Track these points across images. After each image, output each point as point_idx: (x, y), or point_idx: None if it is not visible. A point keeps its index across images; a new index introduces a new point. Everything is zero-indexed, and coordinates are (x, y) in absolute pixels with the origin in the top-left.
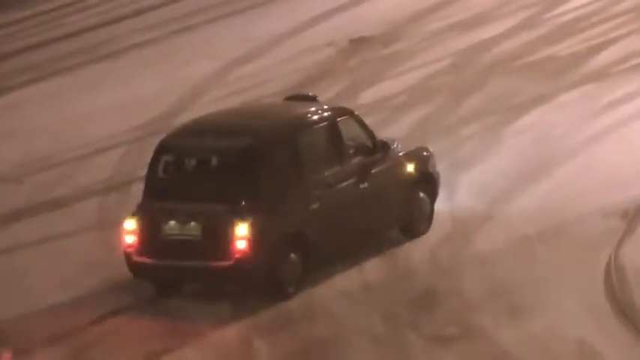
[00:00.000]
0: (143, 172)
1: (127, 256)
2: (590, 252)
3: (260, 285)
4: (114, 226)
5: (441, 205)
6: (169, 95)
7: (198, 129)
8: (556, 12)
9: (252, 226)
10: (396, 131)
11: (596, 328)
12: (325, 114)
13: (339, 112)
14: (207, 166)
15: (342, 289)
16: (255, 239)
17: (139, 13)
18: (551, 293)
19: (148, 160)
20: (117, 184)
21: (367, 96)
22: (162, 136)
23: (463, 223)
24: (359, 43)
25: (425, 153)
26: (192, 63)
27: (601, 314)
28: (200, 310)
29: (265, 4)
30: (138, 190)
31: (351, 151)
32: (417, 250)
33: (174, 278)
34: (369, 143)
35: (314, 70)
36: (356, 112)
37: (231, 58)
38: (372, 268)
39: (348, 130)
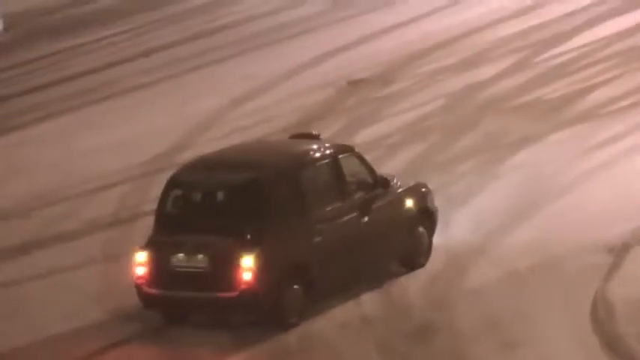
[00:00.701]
0: (147, 207)
1: (138, 288)
2: (578, 286)
3: (264, 315)
4: (118, 260)
5: (435, 239)
6: (173, 133)
7: (206, 164)
8: (546, 55)
9: (258, 258)
10: (391, 168)
11: None
12: (327, 151)
13: (341, 149)
14: (214, 200)
15: (339, 321)
16: (260, 271)
17: (143, 54)
18: (542, 327)
19: (152, 195)
20: (121, 219)
21: (364, 134)
22: (166, 172)
23: (457, 258)
24: (356, 84)
25: (423, 189)
26: (196, 101)
27: (589, 347)
28: (202, 341)
29: (267, 46)
30: (142, 224)
31: (352, 187)
32: (412, 284)
33: (183, 308)
34: (370, 179)
35: (313, 109)
36: (357, 150)
37: (234, 96)
38: (369, 302)
39: (350, 166)
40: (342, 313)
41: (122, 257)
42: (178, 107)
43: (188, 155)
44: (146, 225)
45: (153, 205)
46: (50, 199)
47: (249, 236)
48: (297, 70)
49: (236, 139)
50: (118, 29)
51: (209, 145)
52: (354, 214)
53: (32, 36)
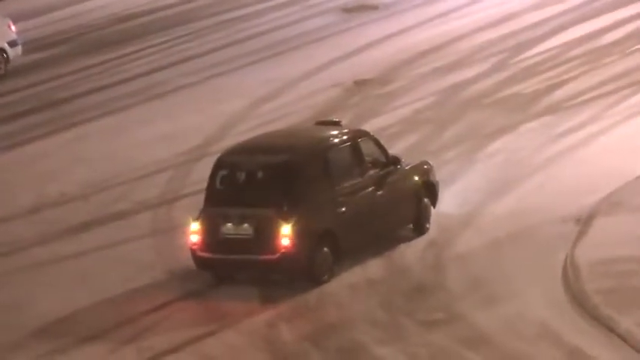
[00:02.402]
0: (188, 189)
1: (192, 252)
2: (550, 251)
3: (300, 274)
4: (164, 234)
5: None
6: (208, 127)
7: (247, 148)
8: (520, 57)
9: (294, 226)
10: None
11: (555, 313)
12: (348, 135)
13: (359, 133)
14: (255, 178)
15: (348, 283)
16: (296, 237)
17: (182, 61)
18: (519, 285)
19: (192, 180)
20: (166, 200)
21: (367, 127)
22: (203, 160)
23: (447, 229)
24: (361, 84)
25: (426, 165)
26: (225, 102)
27: (559, 302)
28: (239, 298)
29: (283, 54)
30: (185, 204)
31: (369, 165)
32: (409, 252)
33: (231, 269)
34: (383, 158)
35: (324, 106)
36: (372, 133)
37: (256, 97)
38: (374, 266)
39: (366, 147)
40: (351, 275)
41: (168, 232)
42: (212, 106)
43: (221, 146)
44: (188, 204)
45: (193, 188)
46: (107, 184)
47: (286, 208)
48: (310, 73)
49: (260, 132)
50: (158, 40)
51: (238, 137)
52: (371, 188)
53: (87, 47)
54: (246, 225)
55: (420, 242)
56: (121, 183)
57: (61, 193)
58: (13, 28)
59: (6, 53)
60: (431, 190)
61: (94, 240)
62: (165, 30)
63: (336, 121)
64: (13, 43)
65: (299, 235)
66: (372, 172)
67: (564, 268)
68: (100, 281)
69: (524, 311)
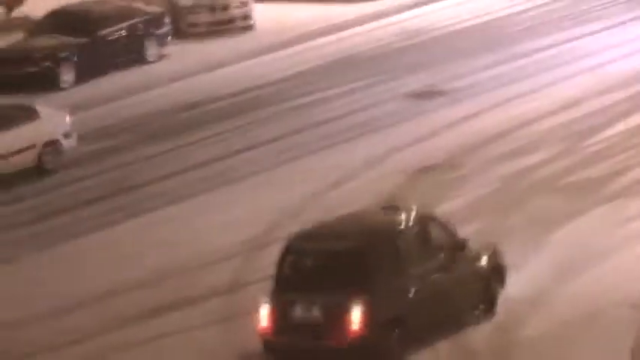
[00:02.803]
0: (257, 276)
1: (262, 337)
2: (618, 337)
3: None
4: (233, 321)
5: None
6: (275, 213)
7: (316, 233)
8: (586, 143)
9: (364, 312)
10: None
11: None
12: (416, 219)
13: (426, 217)
14: (325, 262)
15: None
16: (367, 323)
17: (250, 148)
18: None
19: (260, 265)
20: (235, 287)
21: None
22: (270, 246)
23: (514, 313)
24: (426, 169)
25: (494, 248)
26: (293, 187)
27: None
28: None
29: (349, 140)
30: (253, 291)
31: (437, 249)
32: (477, 335)
33: (300, 355)
34: (451, 241)
35: (391, 192)
36: (438, 217)
37: (323, 183)
38: (442, 351)
39: (434, 231)
40: None
41: (237, 318)
42: (278, 193)
43: (289, 231)
44: (256, 290)
45: (261, 274)
46: (175, 271)
47: (357, 293)
48: (378, 159)
49: (327, 218)
50: (222, 128)
51: (305, 223)
52: (441, 272)
53: (154, 135)
54: (315, 310)
55: (488, 326)
56: (191, 269)
57: (133, 279)
58: (68, 119)
59: (61, 145)
60: (499, 273)
61: (165, 326)
62: (232, 117)
63: (403, 206)
64: (67, 135)
65: (369, 319)
66: (440, 255)
67: (633, 354)
68: None
69: None
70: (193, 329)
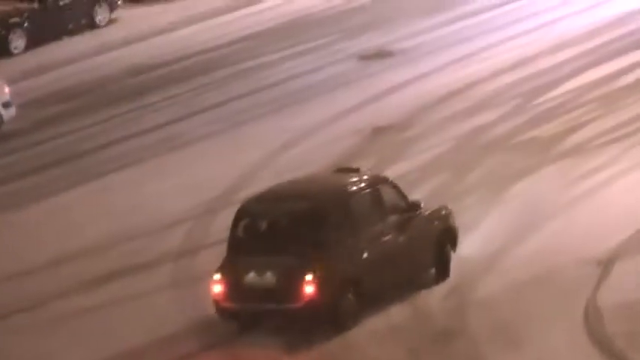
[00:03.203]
0: (208, 240)
1: (216, 302)
2: (572, 294)
3: (325, 321)
4: (186, 285)
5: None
6: (227, 177)
7: (268, 196)
8: (539, 101)
9: (318, 273)
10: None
11: (579, 357)
12: (368, 181)
13: (379, 179)
14: (278, 226)
15: (371, 330)
16: (320, 284)
17: (201, 111)
18: (542, 329)
19: (213, 230)
20: (187, 251)
21: (388, 173)
22: (223, 210)
23: (468, 274)
24: (379, 130)
25: (446, 210)
26: (246, 151)
27: (582, 346)
28: (258, 350)
29: (301, 102)
30: (205, 255)
31: (389, 211)
32: (431, 297)
33: (255, 319)
34: (403, 203)
35: (344, 154)
36: (391, 179)
37: (276, 145)
38: (396, 313)
39: (387, 193)
40: (373, 322)
41: (190, 282)
42: (231, 156)
43: (241, 195)
44: (209, 255)
45: (214, 238)
46: (127, 236)
47: (309, 255)
48: (329, 121)
49: (280, 181)
50: (177, 91)
51: (259, 186)
52: (393, 234)
53: (104, 100)
54: (269, 273)
55: (442, 287)
56: (143, 234)
57: (82, 246)
58: (7, 89)
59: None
60: (451, 235)
61: (117, 292)
62: (183, 81)
63: (355, 168)
64: (6, 105)
65: (323, 282)
66: (392, 217)
67: (586, 312)
68: (124, 333)
69: (548, 356)
70: (146, 294)
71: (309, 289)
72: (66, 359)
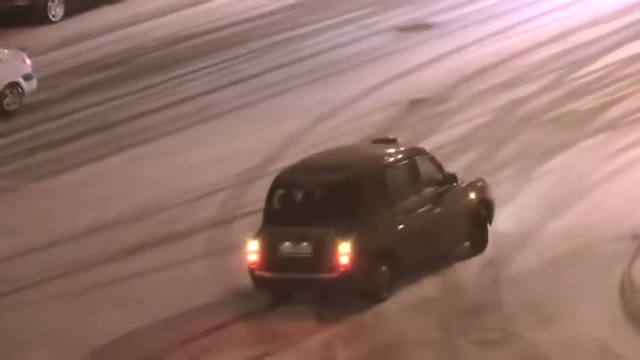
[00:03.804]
0: (243, 210)
1: (251, 271)
2: (607, 269)
3: (360, 292)
4: (220, 255)
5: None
6: (263, 148)
7: (305, 167)
8: (577, 75)
9: (353, 244)
10: None
11: (613, 332)
12: (405, 153)
13: (415, 151)
14: (314, 197)
15: (404, 302)
16: (356, 255)
17: (236, 82)
18: (576, 304)
19: (247, 201)
20: (222, 221)
21: (424, 145)
22: (258, 181)
23: (503, 248)
24: (416, 103)
25: (482, 183)
26: (282, 122)
27: (617, 320)
28: (292, 320)
29: (339, 74)
30: (240, 225)
31: (426, 183)
32: (465, 271)
33: (290, 288)
34: (440, 176)
35: (380, 126)
36: (428, 151)
37: (312, 117)
38: (429, 285)
39: (423, 165)
40: (407, 295)
41: (224, 252)
42: (267, 127)
43: (277, 166)
44: (244, 225)
45: (249, 209)
46: (162, 205)
47: (345, 226)
48: (367, 92)
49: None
50: (212, 61)
51: (294, 158)
52: (429, 206)
53: (141, 70)
54: (305, 244)
55: (476, 261)
56: (176, 205)
57: (118, 215)
58: (28, 62)
59: (21, 87)
60: (487, 208)
61: (151, 261)
62: (219, 51)
63: (392, 139)
64: (27, 77)
65: (358, 253)
66: (429, 189)
67: (621, 286)
68: (158, 302)
69: (582, 330)
70: (180, 264)
71: (344, 260)
72: (101, 327)
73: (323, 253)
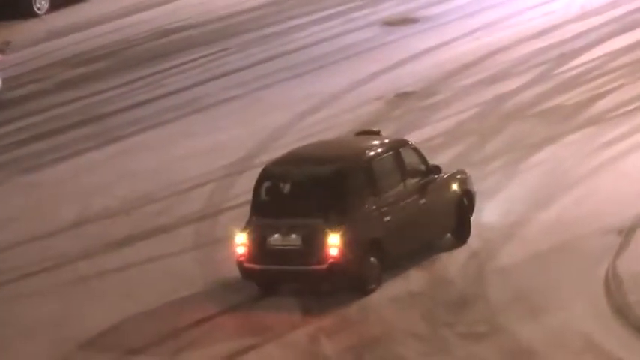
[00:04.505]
0: (230, 203)
1: (239, 264)
2: (592, 263)
3: (349, 283)
4: (207, 247)
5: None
6: (249, 141)
7: (292, 159)
8: (563, 68)
9: (342, 236)
10: None
11: (599, 325)
12: (390, 144)
13: (400, 143)
14: (302, 188)
15: (390, 295)
16: (345, 246)
17: (223, 75)
18: (562, 297)
19: (234, 193)
20: (209, 214)
21: (410, 139)
22: (245, 173)
23: (489, 241)
24: (403, 96)
25: (463, 175)
26: (268, 115)
27: (602, 313)
28: (278, 313)
29: (325, 67)
30: (226, 218)
31: (410, 174)
32: (451, 263)
33: (279, 280)
34: (423, 167)
35: (367, 119)
36: (412, 143)
37: (298, 110)
38: (415, 278)
39: (407, 156)
40: (392, 287)
41: (211, 245)
42: (253, 120)
43: (263, 159)
44: (230, 217)
45: (235, 201)
46: (149, 198)
47: (334, 217)
48: (353, 86)
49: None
50: (200, 54)
51: (280, 150)
52: (414, 197)
53: (128, 62)
54: (294, 235)
55: (462, 253)
56: (163, 197)
57: (104, 208)
58: None
59: None
60: (469, 199)
61: (138, 254)
62: (206, 44)
63: (376, 131)
64: None
65: (347, 244)
66: (413, 180)
67: (606, 280)
68: (144, 295)
69: (568, 323)
70: (167, 257)
71: (333, 251)
72: (87, 320)
73: (312, 245)
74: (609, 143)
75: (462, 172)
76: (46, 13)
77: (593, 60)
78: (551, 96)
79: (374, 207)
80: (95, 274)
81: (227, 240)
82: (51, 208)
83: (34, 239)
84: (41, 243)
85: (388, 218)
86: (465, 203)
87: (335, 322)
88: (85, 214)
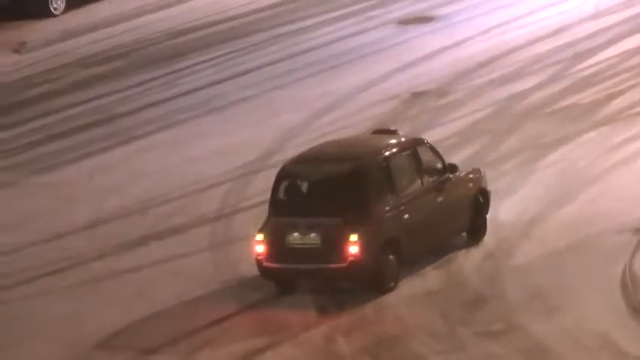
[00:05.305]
0: (246, 203)
1: (258, 262)
2: (608, 262)
3: (369, 281)
4: (222, 248)
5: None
6: (265, 140)
7: (310, 157)
8: (578, 67)
9: (362, 234)
10: None
11: (615, 323)
12: (407, 143)
13: (417, 141)
14: (321, 187)
15: (406, 294)
16: (364, 245)
17: (238, 75)
18: (578, 296)
19: (250, 193)
20: (224, 214)
21: (426, 138)
22: (261, 173)
23: (505, 240)
24: (418, 96)
25: (479, 173)
26: (283, 114)
27: (618, 312)
28: (294, 312)
29: (340, 67)
30: (242, 218)
31: (427, 172)
32: (467, 262)
33: (298, 279)
34: (440, 165)
35: (382, 118)
36: (428, 141)
37: (314, 109)
38: (431, 277)
39: (424, 155)
40: (408, 286)
41: (226, 245)
42: (268, 119)
43: (279, 159)
44: (246, 217)
45: (251, 201)
46: (164, 198)
47: (353, 216)
48: (368, 85)
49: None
50: (215, 54)
51: (296, 150)
52: (431, 195)
53: (142, 62)
54: (313, 234)
55: (478, 252)
56: (178, 197)
57: (119, 208)
58: None
59: None
60: (484, 198)
61: (153, 254)
62: (221, 44)
63: (392, 130)
64: None
65: (367, 242)
66: (430, 178)
67: (623, 279)
68: (159, 295)
69: (584, 322)
70: (183, 257)
71: (353, 250)
72: (102, 321)
73: (331, 243)
74: (624, 142)
75: (477, 170)
76: (62, 13)
77: (608, 59)
78: (566, 95)
79: (392, 205)
80: (110, 274)
81: (243, 240)
82: (66, 208)
83: (48, 239)
84: (56, 243)
85: (406, 216)
86: (481, 201)
87: (351, 322)
88: (99, 214)
